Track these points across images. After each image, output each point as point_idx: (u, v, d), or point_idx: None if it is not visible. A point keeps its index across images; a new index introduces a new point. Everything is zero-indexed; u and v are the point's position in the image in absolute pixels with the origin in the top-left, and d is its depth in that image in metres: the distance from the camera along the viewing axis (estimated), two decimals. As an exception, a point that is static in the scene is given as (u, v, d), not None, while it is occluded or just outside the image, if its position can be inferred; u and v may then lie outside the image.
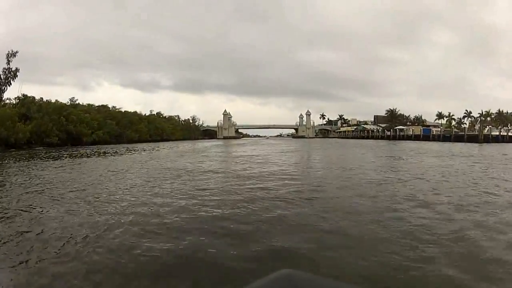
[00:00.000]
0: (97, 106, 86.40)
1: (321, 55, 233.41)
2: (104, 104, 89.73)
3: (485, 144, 44.40)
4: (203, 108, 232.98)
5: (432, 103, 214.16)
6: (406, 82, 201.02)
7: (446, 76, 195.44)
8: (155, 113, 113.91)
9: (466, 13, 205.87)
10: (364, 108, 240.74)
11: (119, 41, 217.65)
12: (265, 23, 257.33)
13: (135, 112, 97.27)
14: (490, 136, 47.84)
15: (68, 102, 77.63)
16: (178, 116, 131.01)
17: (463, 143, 46.03)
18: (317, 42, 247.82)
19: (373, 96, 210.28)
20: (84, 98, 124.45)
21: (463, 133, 51.05)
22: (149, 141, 78.77)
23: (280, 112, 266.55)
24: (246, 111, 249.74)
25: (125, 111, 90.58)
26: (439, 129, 67.13)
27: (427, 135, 60.42)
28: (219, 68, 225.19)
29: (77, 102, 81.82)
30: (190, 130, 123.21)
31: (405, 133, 70.52)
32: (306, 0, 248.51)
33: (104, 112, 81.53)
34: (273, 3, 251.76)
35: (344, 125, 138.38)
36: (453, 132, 53.93)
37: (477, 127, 57.96)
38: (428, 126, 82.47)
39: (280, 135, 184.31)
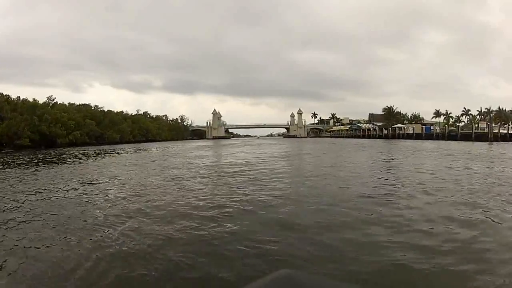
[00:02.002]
0: (77, 105, 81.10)
1: (314, 56, 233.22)
2: (87, 103, 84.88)
3: (495, 143, 40.87)
4: (194, 109, 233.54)
5: (424, 102, 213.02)
6: (399, 81, 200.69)
7: (438, 76, 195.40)
8: (141, 113, 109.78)
9: (460, 13, 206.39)
10: (356, 108, 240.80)
11: (112, 42, 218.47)
12: (259, 24, 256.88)
13: (121, 112, 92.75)
14: (499, 134, 44.35)
15: (46, 101, 72.48)
16: (165, 115, 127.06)
17: (471, 142, 42.58)
18: (311, 43, 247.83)
19: (365, 96, 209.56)
20: (76, 100, 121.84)
21: (471, 131, 47.26)
22: (132, 142, 74.22)
23: (272, 112, 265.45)
24: (238, 111, 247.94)
25: (108, 110, 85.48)
26: (439, 128, 63.64)
27: (430, 134, 56.46)
28: (211, 69, 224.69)
29: (55, 100, 75.99)
30: (178, 130, 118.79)
31: (405, 132, 66.70)
32: (301, 1, 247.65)
33: (84, 111, 76.10)
34: (267, 4, 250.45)
35: (336, 124, 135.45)
36: (459, 130, 49.99)
37: (482, 125, 54.21)
38: (425, 124, 79.02)
39: (271, 135, 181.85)
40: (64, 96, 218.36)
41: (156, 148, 43.75)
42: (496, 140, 43.22)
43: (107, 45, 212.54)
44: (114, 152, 34.66)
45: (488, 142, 41.63)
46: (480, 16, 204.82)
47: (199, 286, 3.79)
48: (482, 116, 77.09)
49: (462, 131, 50.06)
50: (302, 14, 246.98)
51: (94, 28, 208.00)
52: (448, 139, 48.41)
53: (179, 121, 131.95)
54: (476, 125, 56.42)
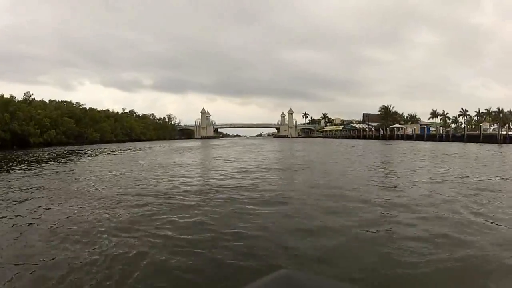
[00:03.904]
0: (57, 102, 75.93)
1: (305, 55, 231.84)
2: (68, 100, 79.67)
3: (504, 145, 37.97)
4: (184, 108, 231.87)
5: (414, 102, 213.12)
6: (389, 82, 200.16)
7: (429, 76, 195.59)
8: (127, 111, 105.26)
9: (452, 14, 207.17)
10: (346, 108, 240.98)
11: (104, 39, 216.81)
12: (250, 23, 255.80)
13: (107, 110, 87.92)
14: (508, 136, 41.37)
15: (23, 97, 67.28)
16: (152, 114, 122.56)
17: (478, 144, 39.65)
18: (301, 42, 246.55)
19: (355, 96, 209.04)
20: (66, 98, 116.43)
21: (478, 132, 44.07)
22: (114, 142, 69.55)
23: (262, 112, 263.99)
24: (227, 110, 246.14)
25: (90, 108, 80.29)
26: (442, 128, 60.55)
27: (432, 135, 53.14)
28: (202, 68, 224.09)
29: (32, 97, 70.74)
30: (165, 130, 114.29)
31: (404, 132, 63.25)
32: (292, 0, 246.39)
33: (64, 109, 71.01)
34: (259, 3, 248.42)
35: (328, 124, 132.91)
36: (465, 131, 46.67)
37: (485, 125, 51.23)
38: (421, 124, 76.17)
39: (261, 135, 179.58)
40: (55, 94, 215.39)
41: (128, 150, 38.25)
42: (505, 142, 40.37)
43: (99, 42, 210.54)
44: (66, 156, 27.60)
45: (497, 144, 38.73)
46: (472, 18, 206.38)
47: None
48: (481, 117, 75.05)
49: (468, 132, 46.77)
50: (294, 13, 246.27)
51: (87, 25, 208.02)
52: (453, 141, 45.33)
53: (167, 120, 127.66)
54: (473, 126, 53.78)
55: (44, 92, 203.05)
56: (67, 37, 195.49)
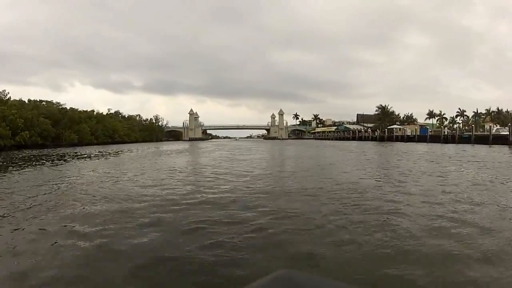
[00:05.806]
0: (35, 101, 70.84)
1: (295, 57, 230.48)
2: (49, 100, 74.49)
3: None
4: (173, 110, 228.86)
5: (404, 104, 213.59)
6: (380, 83, 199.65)
7: (419, 78, 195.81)
8: (112, 112, 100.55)
9: (444, 16, 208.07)
10: (337, 110, 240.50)
11: (96, 40, 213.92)
12: (240, 25, 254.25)
13: (91, 111, 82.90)
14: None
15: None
16: (139, 115, 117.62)
17: (488, 146, 37.02)
18: (292, 43, 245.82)
19: (346, 97, 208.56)
20: (57, 99, 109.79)
21: (488, 133, 41.06)
22: (94, 144, 65.04)
23: (252, 114, 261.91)
24: (217, 112, 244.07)
25: (70, 108, 75.17)
26: (447, 129, 57.83)
27: (436, 136, 50.08)
28: (191, 69, 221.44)
29: (8, 96, 65.98)
30: (151, 131, 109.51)
31: (404, 133, 60.34)
32: (283, 1, 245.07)
33: (42, 109, 66.07)
34: (248, 4, 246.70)
35: (319, 125, 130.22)
36: (473, 132, 43.59)
37: (488, 126, 48.37)
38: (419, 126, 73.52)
39: (250, 136, 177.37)
40: (46, 95, 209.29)
41: (80, 155, 31.01)
42: (515, 144, 37.77)
43: (90, 43, 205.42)
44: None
45: (508, 146, 36.12)
46: (464, 19, 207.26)
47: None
48: (479, 117, 73.10)
49: (476, 134, 43.71)
50: (283, 14, 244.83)
51: (76, 25, 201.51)
52: (459, 142, 42.43)
53: (154, 121, 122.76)
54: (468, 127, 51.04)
55: (34, 94, 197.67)
56: (57, 37, 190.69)
